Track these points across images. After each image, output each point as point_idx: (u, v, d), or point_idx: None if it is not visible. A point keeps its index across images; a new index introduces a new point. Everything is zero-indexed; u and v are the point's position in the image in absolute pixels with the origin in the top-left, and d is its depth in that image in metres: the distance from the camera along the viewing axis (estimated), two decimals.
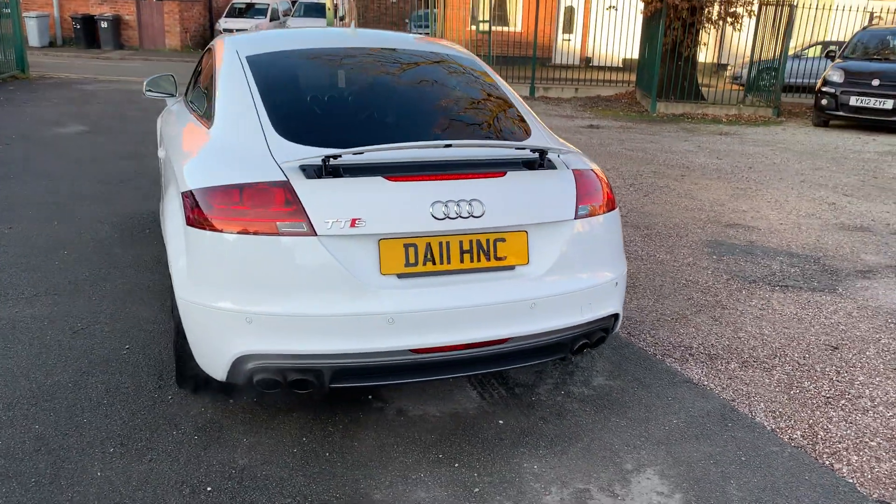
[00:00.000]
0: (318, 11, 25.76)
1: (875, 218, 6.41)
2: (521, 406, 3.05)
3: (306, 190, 2.51)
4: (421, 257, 2.57)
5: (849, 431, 2.97)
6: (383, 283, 2.53)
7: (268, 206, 2.51)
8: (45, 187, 6.16)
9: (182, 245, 2.66)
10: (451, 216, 2.56)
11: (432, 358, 2.60)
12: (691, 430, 2.93)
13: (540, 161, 2.80)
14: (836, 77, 11.45)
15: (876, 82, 11.13)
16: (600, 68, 17.29)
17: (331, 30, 3.74)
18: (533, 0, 17.91)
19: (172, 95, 4.51)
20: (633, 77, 16.20)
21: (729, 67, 19.55)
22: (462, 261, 2.61)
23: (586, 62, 21.29)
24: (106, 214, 5.49)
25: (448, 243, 2.59)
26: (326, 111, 3.04)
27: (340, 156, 2.54)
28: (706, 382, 3.32)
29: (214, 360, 2.61)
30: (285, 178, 2.54)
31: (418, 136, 2.92)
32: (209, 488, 2.47)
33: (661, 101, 13.19)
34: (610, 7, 16.35)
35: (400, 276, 2.55)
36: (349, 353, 2.51)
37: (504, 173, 2.72)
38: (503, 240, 2.66)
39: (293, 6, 28.05)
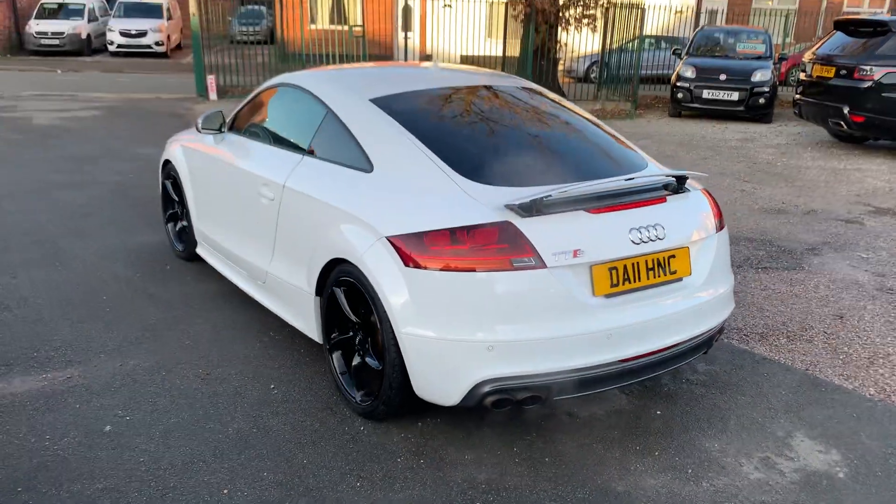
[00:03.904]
0: (139, 11, 24.51)
1: (784, 201, 7.53)
2: (663, 397, 3.54)
3: (527, 227, 2.83)
4: (621, 278, 2.96)
5: None
6: (597, 304, 2.90)
7: (494, 244, 2.79)
8: None
9: (402, 284, 2.86)
10: (644, 240, 2.99)
11: (632, 365, 3.01)
12: (800, 398, 3.56)
13: (677, 185, 3.28)
14: (689, 73, 12.91)
15: (723, 77, 12.70)
16: None
17: (413, 67, 3.93)
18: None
19: (220, 132, 4.49)
20: None
21: (560, 62, 21.07)
22: (648, 277, 3.04)
23: (427, 60, 22.03)
24: (111, 251, 5.27)
25: (638, 263, 3.01)
26: (490, 151, 3.32)
27: (550, 195, 2.87)
28: (776, 357, 3.98)
29: (448, 387, 2.86)
30: (506, 218, 2.83)
31: (580, 171, 3.28)
32: (478, 503, 2.73)
33: None
34: (446, 5, 17.03)
35: (607, 296, 2.93)
36: (574, 368, 2.86)
37: (665, 198, 3.17)
38: (674, 256, 3.12)
39: (109, 5, 26.41)
